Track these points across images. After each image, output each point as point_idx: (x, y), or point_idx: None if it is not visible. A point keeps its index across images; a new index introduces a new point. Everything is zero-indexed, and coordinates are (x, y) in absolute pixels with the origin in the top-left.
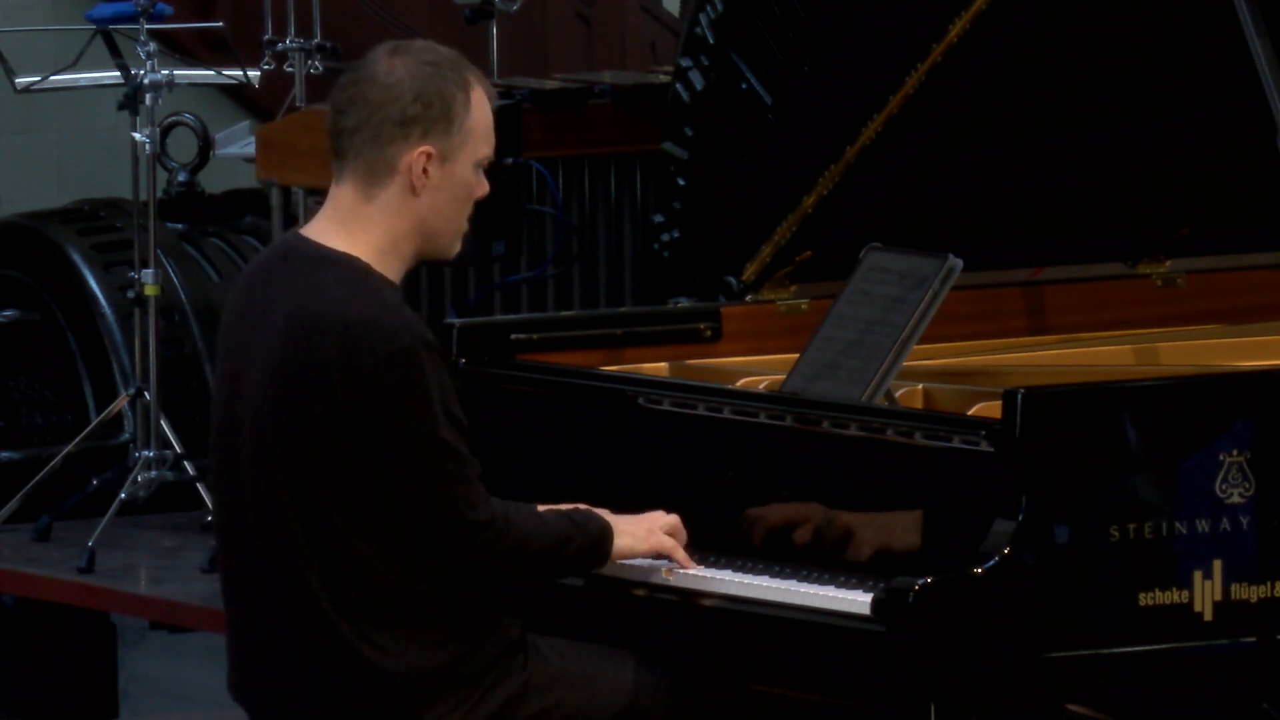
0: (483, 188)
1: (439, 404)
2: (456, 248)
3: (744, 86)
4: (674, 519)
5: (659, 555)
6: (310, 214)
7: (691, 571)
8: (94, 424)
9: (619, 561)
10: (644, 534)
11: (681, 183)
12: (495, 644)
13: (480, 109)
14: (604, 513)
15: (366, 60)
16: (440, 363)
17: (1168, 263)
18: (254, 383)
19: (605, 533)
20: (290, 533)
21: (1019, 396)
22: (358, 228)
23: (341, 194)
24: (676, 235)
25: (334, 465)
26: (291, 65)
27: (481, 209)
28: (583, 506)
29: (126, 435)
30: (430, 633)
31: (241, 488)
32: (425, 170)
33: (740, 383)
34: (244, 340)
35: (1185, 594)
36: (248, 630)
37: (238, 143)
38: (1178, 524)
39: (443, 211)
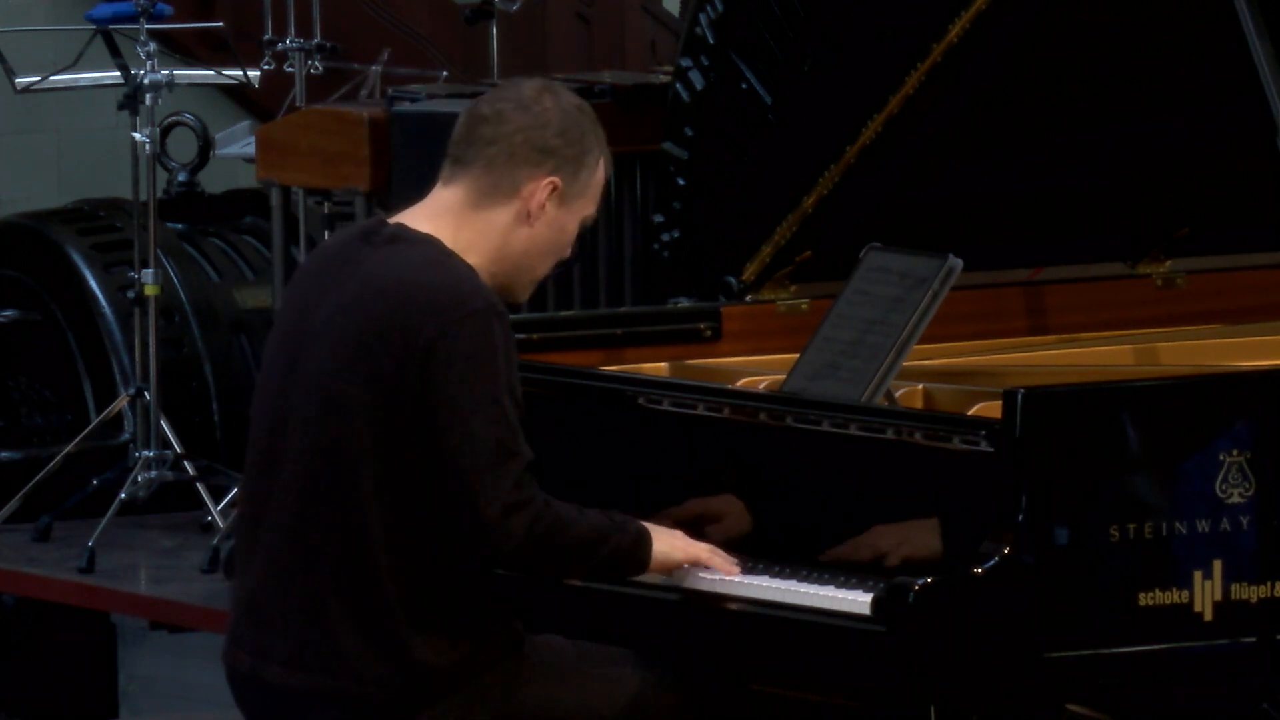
0: (569, 252)
1: (504, 374)
2: (526, 295)
3: (744, 86)
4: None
5: (696, 564)
6: (310, 214)
7: (692, 572)
8: (94, 424)
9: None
10: (682, 543)
11: (681, 183)
12: (498, 643)
13: (602, 173)
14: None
15: (513, 84)
16: (511, 338)
17: (1168, 263)
18: (320, 349)
19: (643, 536)
20: (359, 509)
21: (1019, 396)
22: (453, 223)
23: (446, 195)
24: (676, 235)
25: (392, 433)
26: (291, 65)
27: None
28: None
29: (126, 435)
30: (450, 627)
31: (286, 462)
32: (544, 203)
33: (740, 383)
34: (310, 311)
35: (1185, 594)
36: (272, 598)
37: (238, 143)
38: (1178, 524)
39: (540, 249)
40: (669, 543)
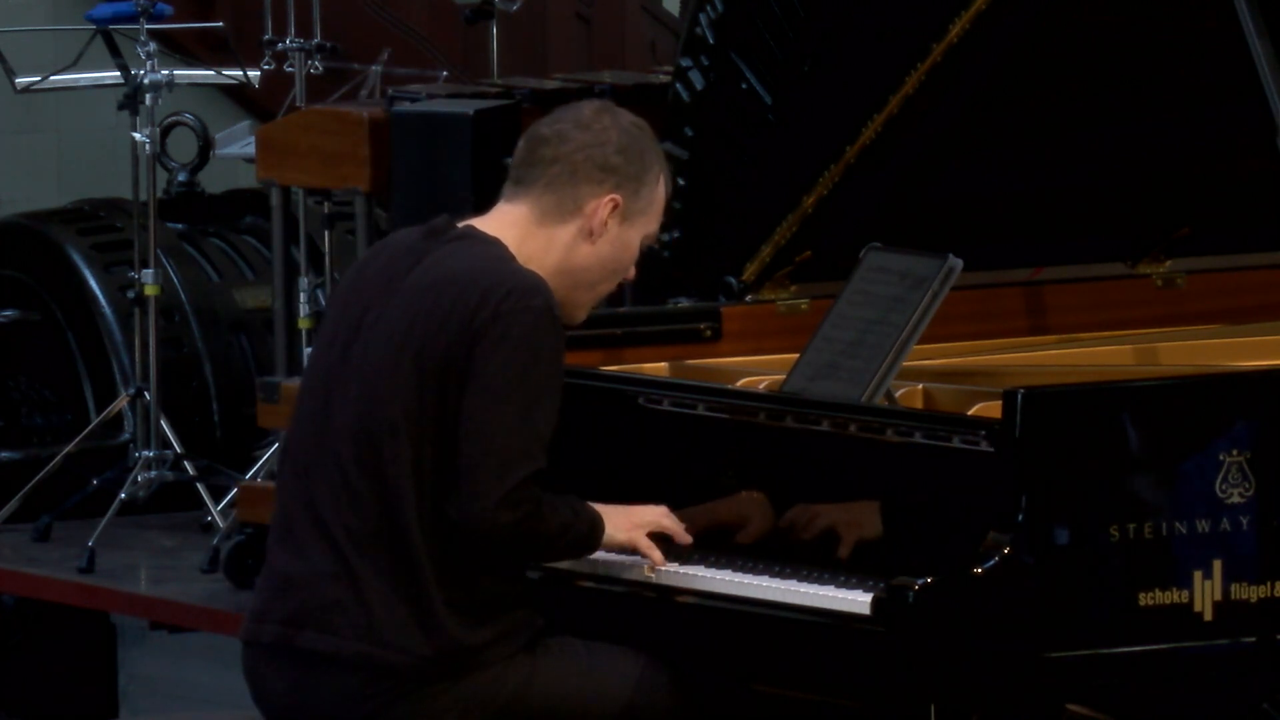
0: (632, 272)
1: (547, 378)
2: (582, 317)
3: (744, 86)
4: (660, 514)
5: (633, 550)
6: (310, 214)
7: (693, 571)
8: (94, 424)
9: (624, 560)
10: (626, 526)
11: (681, 183)
12: (522, 633)
13: (663, 190)
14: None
15: (573, 107)
16: (561, 348)
17: (1168, 263)
18: (376, 332)
19: (597, 523)
20: (396, 483)
21: (1019, 396)
22: (516, 235)
23: (510, 210)
24: (676, 235)
25: (432, 414)
26: (291, 65)
27: (482, 209)
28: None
29: (126, 435)
30: (481, 607)
31: (332, 438)
32: (606, 220)
33: (740, 383)
34: (369, 299)
35: (1185, 594)
36: (311, 565)
37: (238, 143)
38: (1178, 524)
39: (601, 266)
40: (614, 525)
